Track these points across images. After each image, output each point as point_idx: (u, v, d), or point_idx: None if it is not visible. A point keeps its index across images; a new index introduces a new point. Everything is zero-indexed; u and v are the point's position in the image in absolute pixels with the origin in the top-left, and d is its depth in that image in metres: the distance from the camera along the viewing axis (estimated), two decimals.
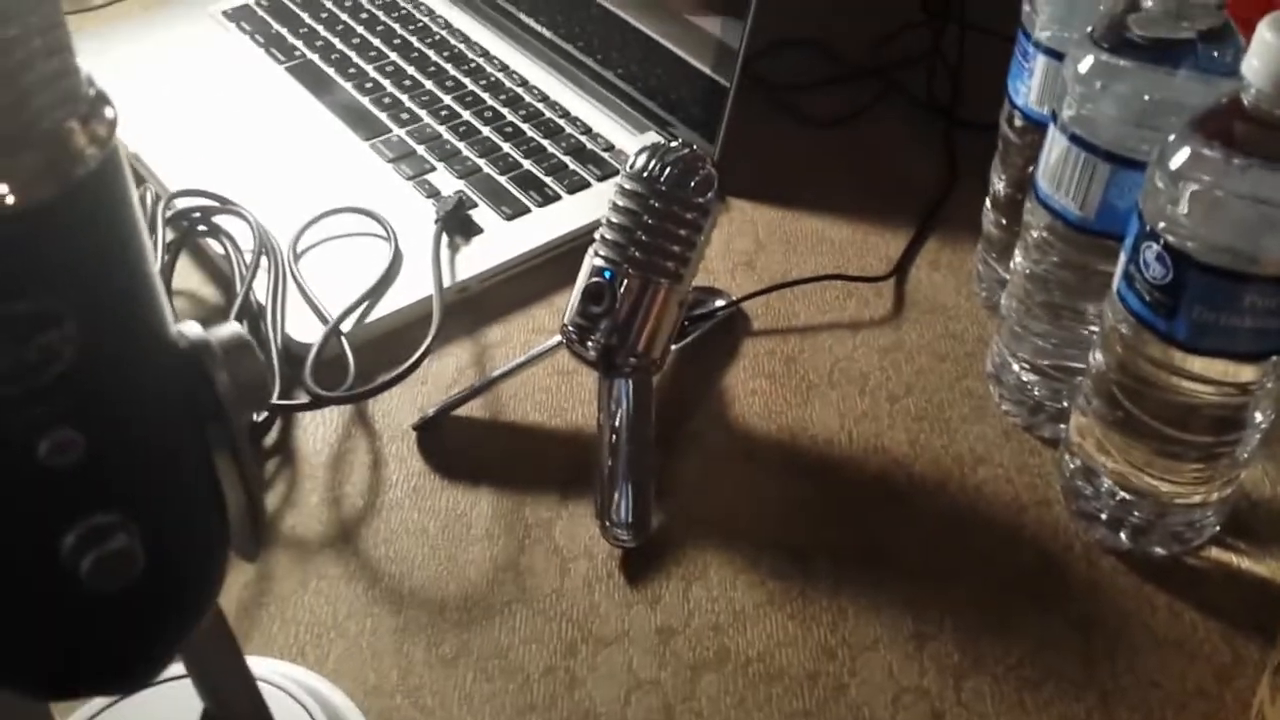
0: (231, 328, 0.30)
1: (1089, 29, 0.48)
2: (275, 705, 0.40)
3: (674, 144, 0.52)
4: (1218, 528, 0.51)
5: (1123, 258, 0.46)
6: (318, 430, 0.55)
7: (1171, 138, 0.42)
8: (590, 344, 0.51)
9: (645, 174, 0.50)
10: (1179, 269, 0.42)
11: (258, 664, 0.43)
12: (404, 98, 0.73)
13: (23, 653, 0.29)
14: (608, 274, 0.51)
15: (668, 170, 0.50)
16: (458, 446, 0.55)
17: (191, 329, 0.30)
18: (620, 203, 0.51)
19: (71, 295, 0.26)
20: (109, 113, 0.26)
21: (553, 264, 0.63)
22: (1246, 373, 0.45)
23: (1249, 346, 0.44)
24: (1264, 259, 0.41)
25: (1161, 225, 0.43)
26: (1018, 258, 0.55)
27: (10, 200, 0.24)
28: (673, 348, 0.54)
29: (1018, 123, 0.58)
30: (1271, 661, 0.40)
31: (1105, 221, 0.49)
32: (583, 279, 0.52)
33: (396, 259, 0.62)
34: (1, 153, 0.24)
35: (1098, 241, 0.50)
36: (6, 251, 0.24)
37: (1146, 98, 0.47)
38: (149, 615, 0.30)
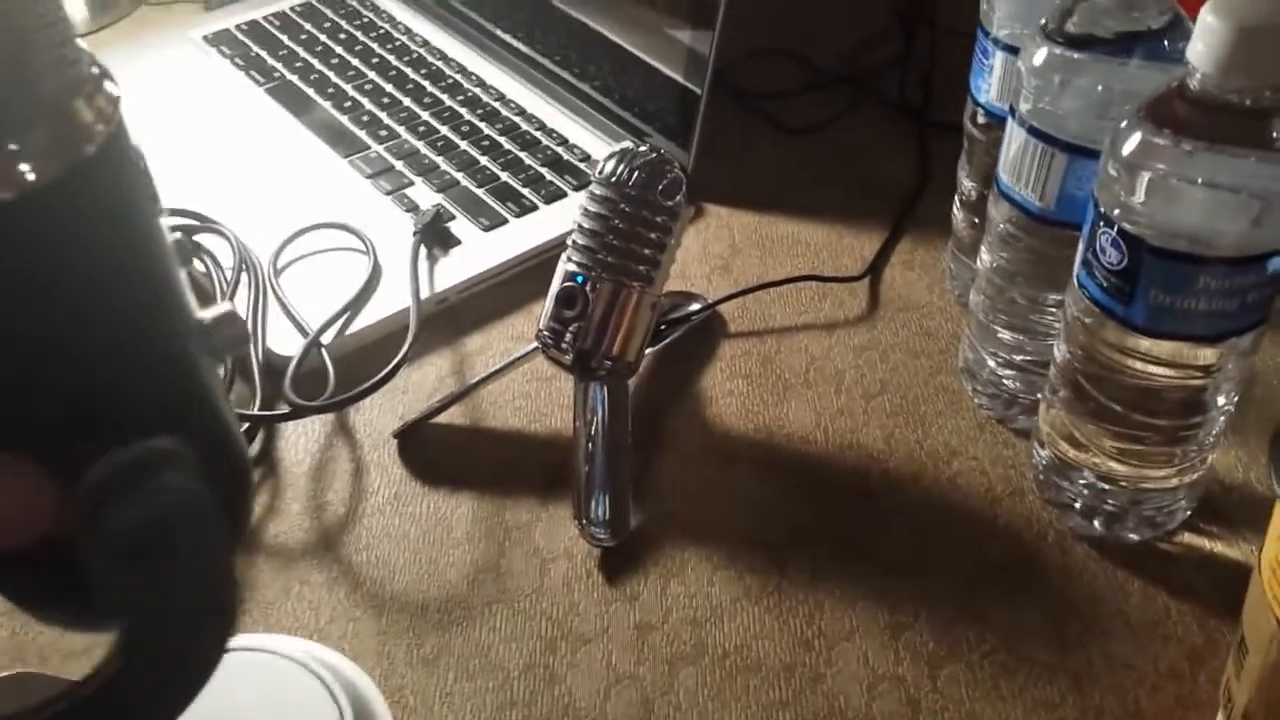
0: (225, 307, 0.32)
1: (1042, 22, 0.49)
2: (296, 682, 0.40)
3: (641, 149, 0.52)
4: (1189, 512, 0.51)
5: (1081, 245, 0.46)
6: (299, 440, 0.56)
7: (1122, 125, 0.43)
8: (565, 348, 0.52)
9: (613, 179, 0.51)
10: (1134, 254, 0.43)
11: (277, 641, 0.44)
12: (382, 115, 0.74)
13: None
14: (580, 279, 0.52)
15: (635, 174, 0.51)
16: (438, 453, 0.55)
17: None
18: (590, 208, 0.52)
19: (82, 273, 0.26)
20: (112, 89, 0.27)
21: (531, 273, 0.64)
22: (1205, 355, 0.46)
23: (1205, 329, 0.44)
24: (1216, 242, 0.42)
25: (1116, 212, 0.44)
26: (984, 253, 0.56)
27: (30, 177, 0.24)
28: (649, 350, 0.55)
29: (980, 120, 0.59)
30: (1234, 638, 0.40)
31: (1065, 211, 0.50)
32: (556, 285, 0.53)
33: (375, 272, 0.63)
34: (14, 131, 0.25)
35: (1058, 232, 0.51)
36: (20, 230, 0.25)
37: (1100, 88, 0.47)
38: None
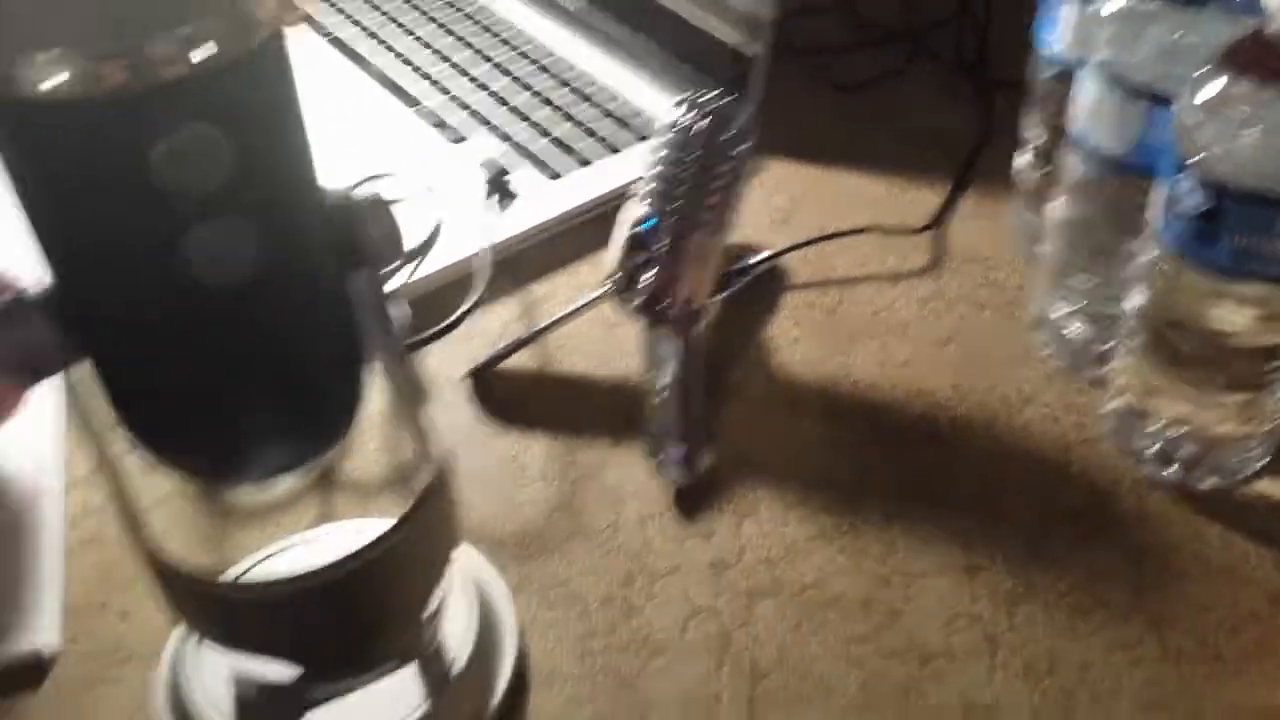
0: (370, 189, 0.35)
1: None
2: None
3: (711, 95, 0.52)
4: (1266, 459, 0.51)
5: (1160, 191, 0.46)
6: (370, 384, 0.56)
7: (1200, 72, 0.43)
8: (636, 293, 0.52)
9: (685, 126, 0.51)
10: (1215, 198, 0.43)
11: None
12: (439, 69, 0.74)
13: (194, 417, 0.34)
14: (650, 224, 0.52)
15: (706, 121, 0.51)
16: (509, 396, 0.55)
17: (338, 188, 0.35)
18: (661, 155, 0.52)
19: (253, 138, 0.30)
20: None
21: (591, 225, 0.64)
22: None
23: None
24: None
25: (1196, 158, 0.43)
26: (1056, 204, 0.55)
27: (212, 52, 0.28)
28: (716, 299, 0.55)
29: (1048, 72, 0.58)
30: None
31: (1142, 158, 0.49)
32: (625, 230, 0.52)
33: (441, 220, 0.63)
34: (192, 15, 0.28)
35: (1136, 179, 0.50)
36: (208, 96, 0.28)
37: (1176, 36, 0.47)
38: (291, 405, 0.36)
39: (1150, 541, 0.49)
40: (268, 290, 0.32)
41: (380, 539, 0.36)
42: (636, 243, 0.52)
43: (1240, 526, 0.49)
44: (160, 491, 0.45)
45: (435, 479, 0.38)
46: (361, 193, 0.36)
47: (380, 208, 0.36)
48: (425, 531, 0.38)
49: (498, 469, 0.52)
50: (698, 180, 0.51)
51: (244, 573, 0.45)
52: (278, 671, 0.38)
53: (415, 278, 0.60)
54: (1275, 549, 0.48)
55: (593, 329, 0.58)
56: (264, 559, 0.45)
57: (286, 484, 0.50)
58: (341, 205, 0.35)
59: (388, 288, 0.58)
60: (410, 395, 0.39)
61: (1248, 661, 0.44)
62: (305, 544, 0.46)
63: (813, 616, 0.46)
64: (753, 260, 0.62)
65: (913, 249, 0.64)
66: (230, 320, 0.32)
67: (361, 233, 0.35)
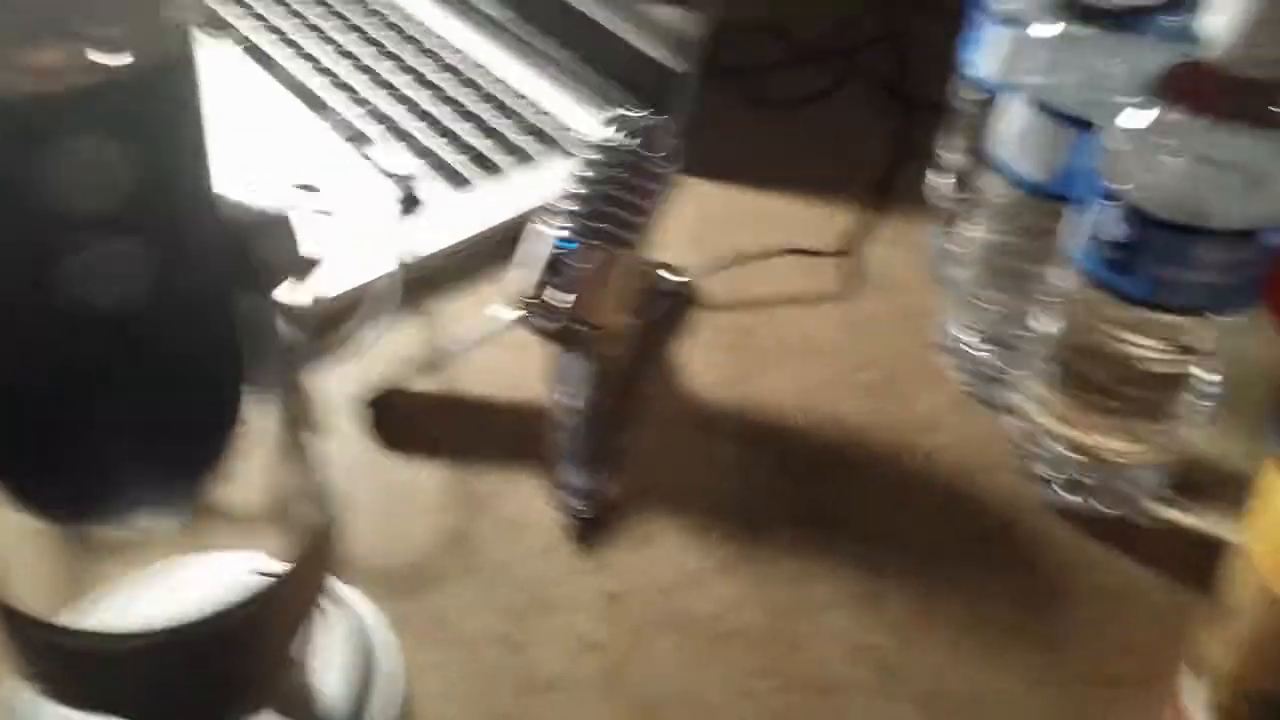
0: (271, 204, 0.34)
1: None
2: None
3: (638, 114, 0.52)
4: (1164, 489, 0.51)
5: (1080, 219, 0.46)
6: (264, 408, 0.54)
7: (1131, 100, 0.43)
8: (550, 317, 0.51)
9: (612, 143, 0.50)
10: (1138, 227, 0.43)
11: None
12: (359, 79, 0.73)
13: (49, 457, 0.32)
14: (567, 244, 0.51)
15: (633, 139, 0.50)
16: (408, 422, 0.54)
17: (236, 203, 0.33)
18: (584, 173, 0.51)
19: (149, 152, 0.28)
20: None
21: (504, 242, 0.62)
22: (1198, 329, 0.45)
23: (1204, 302, 0.44)
24: (1221, 215, 0.42)
25: (1122, 186, 0.43)
26: (971, 227, 0.55)
27: (126, 62, 0.27)
28: (630, 321, 0.54)
29: (970, 95, 0.58)
30: (1213, 606, 0.40)
31: (1063, 185, 0.49)
32: (540, 250, 0.51)
33: (346, 237, 0.61)
34: (105, 22, 0.27)
35: (1055, 206, 0.50)
36: (111, 107, 0.27)
37: (1107, 63, 0.47)
38: (161, 437, 0.34)
39: (1049, 567, 0.48)
40: (151, 313, 0.31)
41: (256, 595, 0.34)
42: (554, 263, 0.51)
43: (1137, 552, 0.49)
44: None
45: (319, 526, 0.36)
46: (261, 208, 0.34)
47: (280, 224, 0.34)
48: (302, 581, 0.37)
49: (391, 499, 0.50)
50: (620, 201, 0.50)
51: (93, 613, 0.41)
52: None
53: (318, 297, 0.59)
54: (1167, 574, 0.48)
55: (500, 351, 0.57)
56: (120, 596, 0.43)
57: (153, 522, 0.48)
58: (238, 221, 0.33)
59: (286, 309, 0.56)
60: (299, 425, 0.38)
61: (1141, 685, 0.44)
62: (169, 579, 0.43)
63: (709, 649, 0.45)
64: (669, 281, 0.62)
65: (830, 271, 0.63)
66: (106, 343, 0.30)
67: (258, 251, 0.34)
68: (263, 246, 0.34)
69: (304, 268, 0.36)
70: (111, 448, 0.33)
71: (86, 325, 0.29)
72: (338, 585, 0.45)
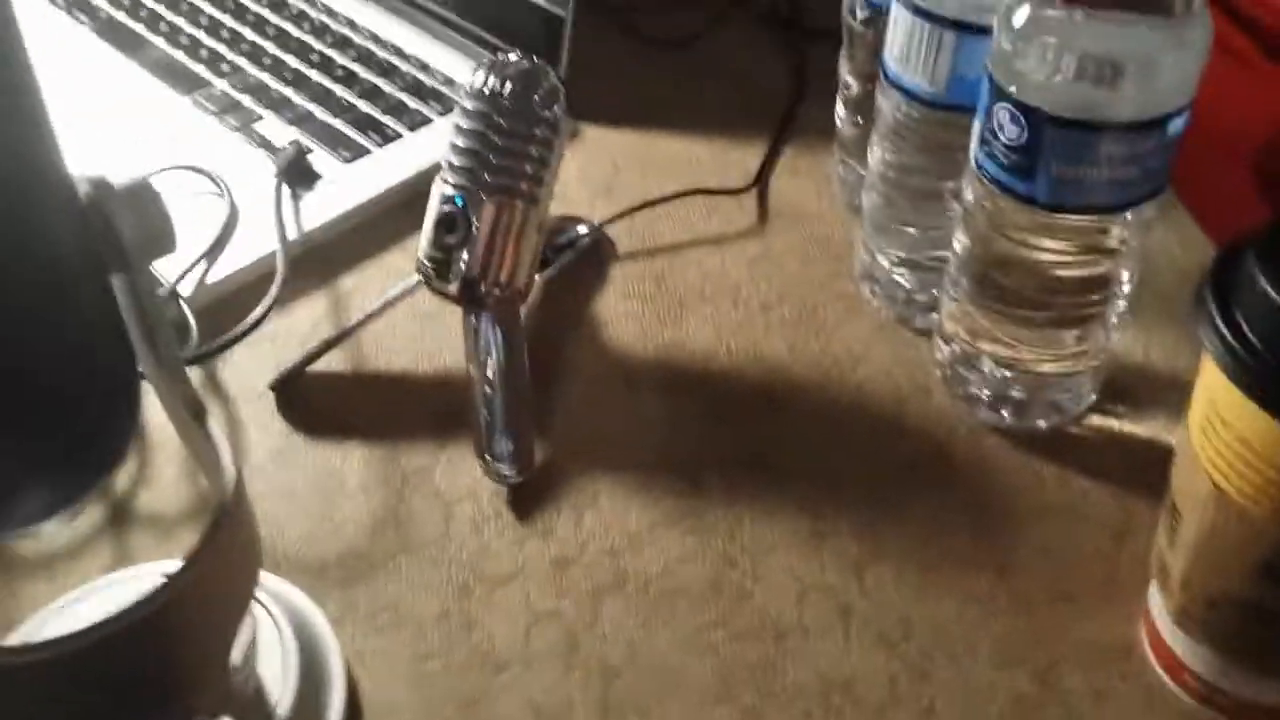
0: (132, 174, 0.31)
1: None
2: None
3: (513, 58, 0.49)
4: (1094, 396, 0.51)
5: (977, 125, 0.45)
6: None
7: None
8: (450, 277, 0.48)
9: (486, 90, 0.48)
10: (1033, 127, 0.42)
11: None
12: (223, 49, 0.69)
13: None
14: (459, 200, 0.48)
15: (509, 84, 0.48)
16: (320, 403, 0.51)
17: (90, 175, 0.30)
18: (465, 125, 0.48)
19: None
20: None
21: (402, 207, 0.60)
22: (1108, 229, 0.45)
23: (1108, 199, 0.44)
24: (1114, 109, 0.41)
25: (1012, 87, 0.42)
26: (874, 149, 0.54)
27: None
28: (537, 277, 0.52)
29: (860, 13, 0.57)
30: (1163, 509, 0.40)
31: (957, 94, 0.48)
32: (433, 210, 0.49)
33: (233, 215, 0.58)
34: None
35: (952, 116, 0.49)
36: None
37: None
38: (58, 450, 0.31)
39: (989, 488, 0.48)
40: (4, 299, 0.28)
41: (155, 593, 0.32)
42: (446, 222, 0.48)
43: (1076, 465, 0.49)
44: None
45: (222, 511, 0.34)
46: (120, 181, 0.31)
47: (143, 197, 0.31)
48: (216, 572, 0.34)
49: (313, 485, 0.48)
50: (508, 150, 0.48)
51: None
52: None
53: (210, 280, 0.55)
54: (1112, 484, 0.48)
55: (408, 321, 0.55)
56: (38, 621, 0.40)
57: (59, 530, 0.45)
58: (98, 197, 0.30)
59: (165, 290, 0.53)
60: (187, 413, 0.35)
61: (1097, 599, 0.44)
62: (92, 597, 0.41)
63: (661, 608, 0.44)
64: (575, 233, 0.60)
65: (738, 209, 0.62)
66: None
67: (123, 226, 0.31)
68: (127, 221, 0.31)
69: (174, 243, 0.33)
70: None
71: None
72: (271, 581, 0.43)
